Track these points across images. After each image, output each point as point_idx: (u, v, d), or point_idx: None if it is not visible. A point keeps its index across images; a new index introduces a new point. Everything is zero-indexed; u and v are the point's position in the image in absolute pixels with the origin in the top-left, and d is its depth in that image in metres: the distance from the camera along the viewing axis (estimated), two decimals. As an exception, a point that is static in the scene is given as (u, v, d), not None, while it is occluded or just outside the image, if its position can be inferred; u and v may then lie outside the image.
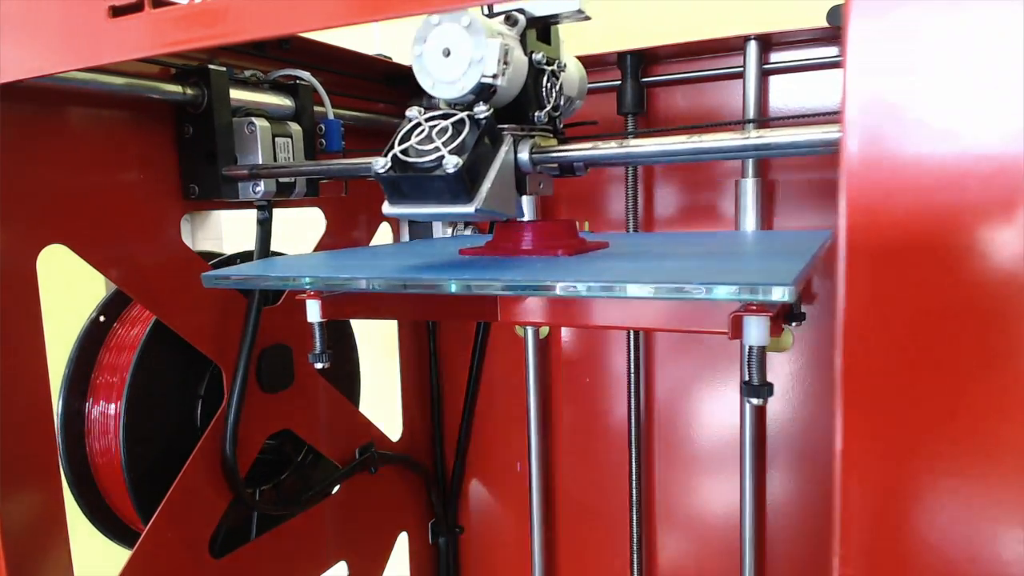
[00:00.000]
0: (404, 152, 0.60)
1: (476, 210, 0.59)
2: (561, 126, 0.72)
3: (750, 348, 0.55)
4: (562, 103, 0.71)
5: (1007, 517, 0.40)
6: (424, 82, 0.63)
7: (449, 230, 1.27)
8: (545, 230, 0.68)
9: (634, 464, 1.26)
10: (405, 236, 1.29)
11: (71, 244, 0.77)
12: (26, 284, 0.72)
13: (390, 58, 1.19)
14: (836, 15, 0.94)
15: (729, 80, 1.13)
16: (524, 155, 0.64)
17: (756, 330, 0.53)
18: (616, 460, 1.30)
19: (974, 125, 0.38)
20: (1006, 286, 0.38)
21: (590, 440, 1.33)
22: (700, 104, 1.16)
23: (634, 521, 1.27)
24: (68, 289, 1.01)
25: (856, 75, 0.39)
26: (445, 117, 0.61)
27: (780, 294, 0.46)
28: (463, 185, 0.58)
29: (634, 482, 1.26)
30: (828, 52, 1.06)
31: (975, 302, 0.39)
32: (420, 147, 0.60)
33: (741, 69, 1.08)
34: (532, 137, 0.66)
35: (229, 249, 1.07)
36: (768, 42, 1.07)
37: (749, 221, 1.09)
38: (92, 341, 0.95)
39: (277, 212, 0.95)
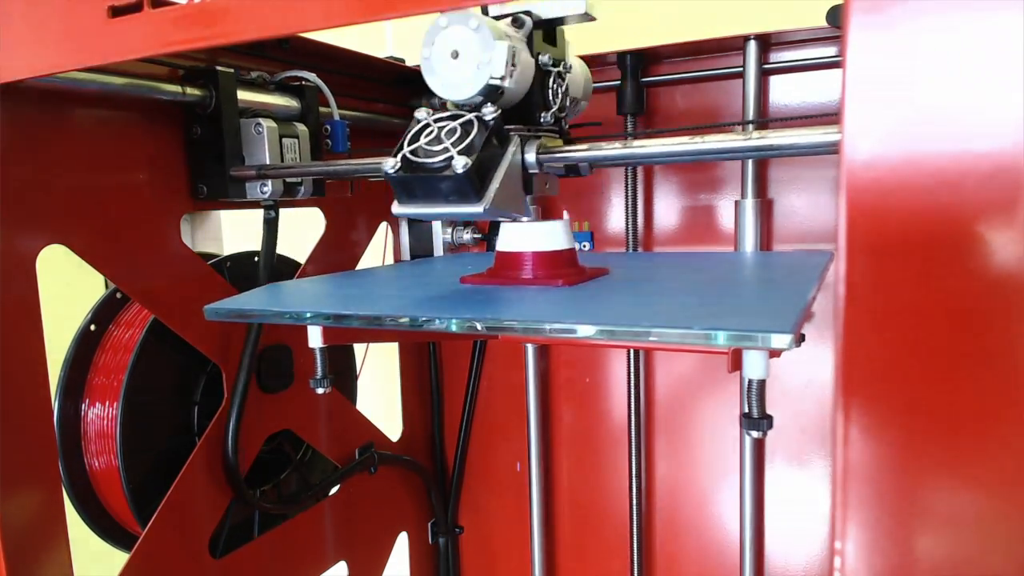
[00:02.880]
0: (414, 152, 0.61)
1: (484, 209, 0.60)
2: (567, 127, 0.73)
3: (750, 381, 0.55)
4: (568, 104, 0.71)
5: (1008, 518, 0.40)
6: (432, 84, 0.63)
7: (449, 230, 1.27)
8: (545, 259, 0.68)
9: (634, 464, 1.26)
10: (404, 236, 1.29)
11: (71, 244, 0.77)
12: (26, 284, 0.72)
13: (403, 60, 1.19)
14: (836, 15, 0.94)
15: (729, 80, 1.13)
16: (531, 156, 0.65)
17: (755, 363, 0.53)
18: (616, 460, 1.30)
19: (974, 125, 0.38)
20: (1006, 286, 0.38)
21: (590, 440, 1.33)
22: (700, 104, 1.16)
23: (634, 521, 1.27)
24: (68, 289, 1.01)
25: (855, 74, 0.39)
26: (454, 118, 0.62)
27: (780, 342, 0.46)
28: (472, 185, 0.59)
29: (634, 482, 1.26)
30: (828, 52, 1.06)
31: (975, 301, 0.39)
32: (429, 148, 0.61)
33: (741, 69, 1.08)
34: (538, 138, 0.67)
35: (229, 249, 1.08)
36: (768, 42, 1.07)
37: (748, 242, 1.10)
38: (86, 346, 0.96)
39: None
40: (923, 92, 0.38)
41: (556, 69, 0.69)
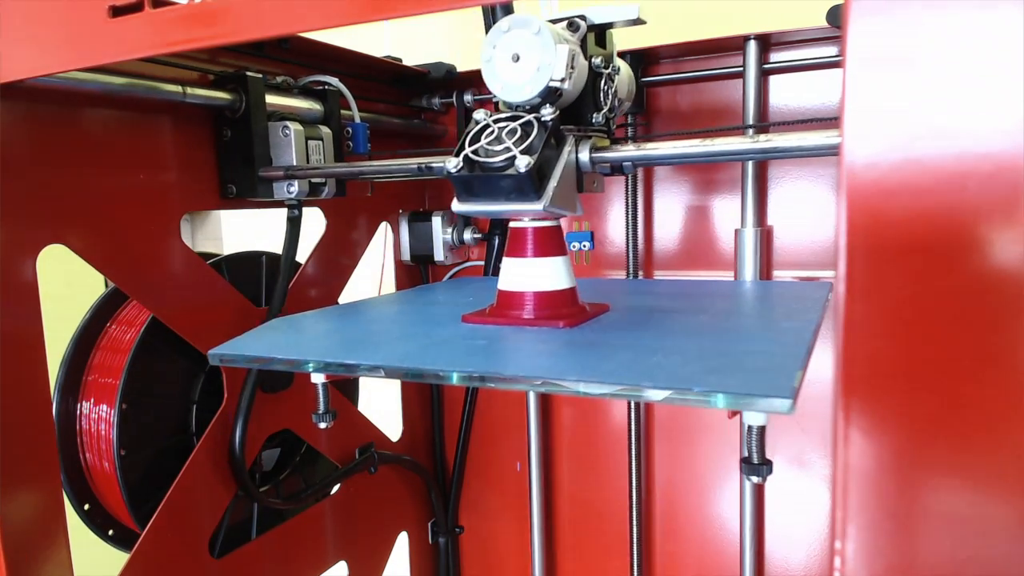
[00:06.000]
0: (475, 152, 0.63)
1: (544, 207, 0.62)
2: (614, 127, 0.75)
3: (750, 427, 0.54)
4: (616, 105, 0.73)
5: (1008, 518, 0.40)
6: (493, 86, 0.65)
7: (450, 230, 1.27)
8: (547, 299, 0.69)
9: (634, 464, 1.26)
10: (404, 237, 1.29)
11: (71, 244, 0.77)
12: (26, 284, 0.72)
13: (400, 60, 1.19)
14: (836, 15, 0.94)
15: (729, 80, 1.13)
16: (584, 155, 0.67)
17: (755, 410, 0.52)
18: (616, 460, 1.30)
19: (974, 125, 0.38)
20: (1006, 286, 0.38)
21: (590, 440, 1.33)
22: (700, 104, 1.16)
23: (634, 521, 1.27)
24: (68, 289, 1.01)
25: (856, 75, 0.39)
26: (513, 119, 0.64)
27: (780, 407, 0.46)
28: (532, 183, 0.61)
29: (634, 482, 1.26)
30: (828, 52, 1.06)
31: (975, 302, 0.39)
32: (490, 147, 0.63)
33: (741, 69, 1.08)
34: (590, 138, 0.68)
35: (229, 249, 1.08)
36: (768, 42, 1.07)
37: (748, 270, 1.10)
38: (86, 344, 0.96)
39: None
40: (923, 92, 0.38)
41: (606, 71, 0.70)
